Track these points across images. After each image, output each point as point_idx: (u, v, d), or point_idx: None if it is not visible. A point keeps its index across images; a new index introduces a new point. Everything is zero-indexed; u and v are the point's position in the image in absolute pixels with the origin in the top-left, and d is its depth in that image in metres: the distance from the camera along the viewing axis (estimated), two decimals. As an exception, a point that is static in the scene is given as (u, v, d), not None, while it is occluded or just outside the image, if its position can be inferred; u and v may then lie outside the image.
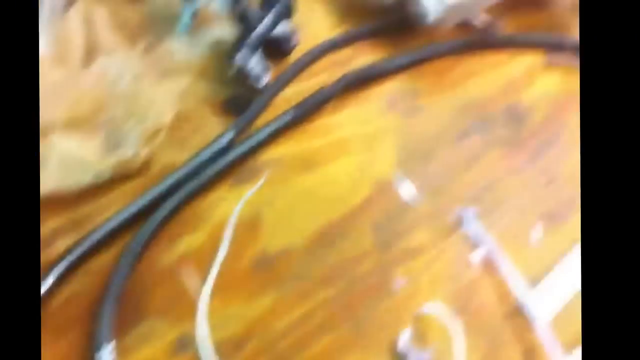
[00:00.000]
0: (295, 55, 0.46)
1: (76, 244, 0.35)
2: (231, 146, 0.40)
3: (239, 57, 0.42)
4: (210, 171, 0.38)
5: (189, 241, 0.37)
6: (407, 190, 0.42)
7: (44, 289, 0.33)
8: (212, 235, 0.38)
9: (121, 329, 0.34)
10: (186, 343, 0.34)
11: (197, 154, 0.39)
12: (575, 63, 0.51)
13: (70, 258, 0.34)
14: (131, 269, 0.35)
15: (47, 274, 0.34)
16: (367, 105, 0.46)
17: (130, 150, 0.37)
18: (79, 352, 0.33)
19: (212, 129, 0.41)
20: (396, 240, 0.40)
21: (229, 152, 0.39)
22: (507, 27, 0.52)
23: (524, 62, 0.51)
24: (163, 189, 0.37)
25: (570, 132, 0.48)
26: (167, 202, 0.37)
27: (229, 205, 0.39)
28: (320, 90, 0.44)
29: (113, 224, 0.36)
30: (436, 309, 0.38)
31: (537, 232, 0.42)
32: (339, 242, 0.39)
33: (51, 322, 0.34)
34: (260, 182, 0.37)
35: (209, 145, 0.39)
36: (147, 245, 0.36)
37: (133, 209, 0.36)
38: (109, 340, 0.33)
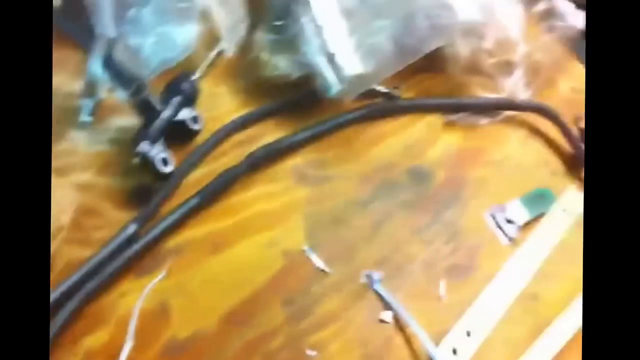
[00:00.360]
0: (201, 138, 0.48)
1: None
2: (136, 238, 0.41)
3: (142, 146, 0.43)
4: (113, 266, 0.39)
5: (94, 339, 0.38)
6: (316, 260, 0.44)
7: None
8: (117, 330, 0.38)
9: None
10: None
11: (99, 250, 0.40)
12: (472, 121, 0.55)
13: None
14: None
15: None
16: (275, 181, 0.48)
17: None
18: None
19: (117, 221, 0.42)
20: (306, 312, 0.42)
21: (133, 244, 0.40)
22: (407, 92, 0.55)
23: (425, 124, 0.54)
24: (65, 288, 0.38)
25: (470, 186, 0.51)
26: (69, 302, 0.37)
27: (134, 296, 0.39)
28: (226, 171, 0.46)
29: None
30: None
31: (441, 288, 0.45)
32: (249, 321, 0.41)
33: None
34: (163, 272, 0.38)
35: (112, 239, 0.40)
36: (50, 345, 0.36)
37: None
38: None
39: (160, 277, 0.38)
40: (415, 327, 0.42)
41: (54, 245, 0.39)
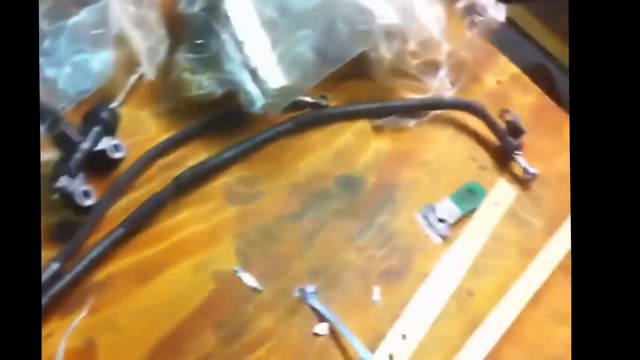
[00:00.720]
0: (125, 166, 0.48)
1: None
2: (59, 276, 0.40)
3: (62, 181, 0.43)
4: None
5: None
6: (247, 279, 0.44)
7: None
8: None
9: None
10: None
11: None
12: (400, 124, 0.56)
13: None
14: None
15: None
16: (204, 203, 0.48)
17: None
18: None
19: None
20: (239, 333, 0.42)
21: (57, 282, 0.40)
22: (334, 100, 0.56)
23: (354, 131, 0.55)
24: None
25: (402, 189, 0.52)
26: None
27: (60, 337, 0.39)
28: (152, 197, 0.46)
29: None
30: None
31: (375, 294, 0.46)
32: (180, 350, 0.41)
33: None
34: (85, 310, 0.38)
35: None
36: None
37: None
38: None
39: (82, 315, 0.37)
40: (350, 337, 0.42)
41: None
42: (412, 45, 0.58)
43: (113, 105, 0.50)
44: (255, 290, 0.44)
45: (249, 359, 0.41)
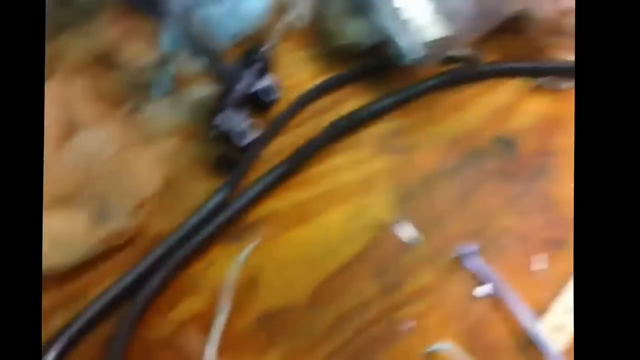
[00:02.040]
0: (279, 107, 0.47)
1: (73, 319, 0.36)
2: (223, 207, 0.41)
3: (220, 117, 0.43)
4: (202, 235, 0.39)
5: (187, 307, 0.38)
6: (405, 231, 0.43)
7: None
8: (209, 298, 0.39)
9: None
10: None
11: (188, 219, 0.40)
12: (558, 85, 0.53)
13: (69, 333, 0.35)
14: (128, 339, 0.36)
15: (47, 351, 0.35)
16: (358, 150, 0.47)
17: (119, 224, 0.39)
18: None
19: (202, 190, 0.42)
20: (399, 284, 0.41)
21: (221, 213, 0.41)
22: (488, 56, 0.53)
23: (509, 90, 0.52)
24: (155, 258, 0.38)
25: (562, 154, 0.49)
26: (160, 271, 0.38)
27: (224, 266, 0.40)
28: (310, 141, 0.45)
29: (108, 297, 0.37)
30: (447, 347, 0.38)
31: (539, 261, 0.43)
32: (341, 293, 0.40)
33: None
34: (256, 241, 0.37)
35: (199, 208, 0.41)
36: (142, 314, 0.37)
37: (126, 280, 0.38)
38: None
39: (253, 245, 0.37)
40: (516, 303, 0.40)
41: (141, 216, 0.40)
42: (570, 2, 0.55)
43: (267, 47, 0.49)
44: (412, 244, 0.43)
45: (408, 312, 0.40)
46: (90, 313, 0.36)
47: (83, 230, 0.38)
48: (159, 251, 0.38)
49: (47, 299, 0.38)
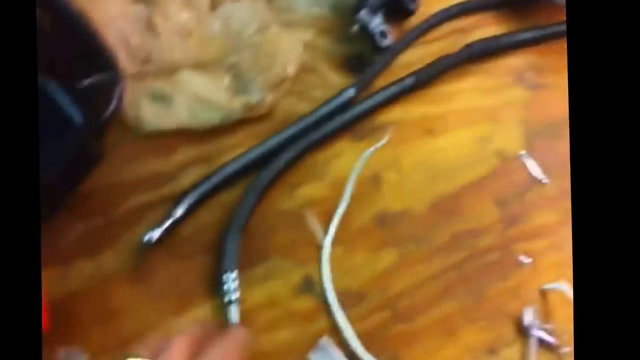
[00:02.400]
0: (416, 18, 0.45)
1: (205, 178, 0.36)
2: (351, 103, 0.40)
3: (362, 15, 0.42)
4: (333, 124, 0.39)
5: (310, 190, 0.38)
6: (533, 168, 0.41)
7: (173, 218, 0.35)
8: (333, 187, 0.38)
9: (247, 263, 0.35)
10: (310, 285, 0.35)
11: (319, 107, 0.40)
12: None
13: (199, 191, 0.36)
14: (254, 206, 0.36)
15: (177, 204, 0.35)
16: (491, 77, 0.45)
17: (257, 96, 0.38)
18: (206, 277, 0.35)
19: (332, 84, 0.42)
20: (521, 218, 0.39)
21: (350, 108, 0.40)
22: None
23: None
24: (287, 136, 0.38)
25: None
26: (291, 149, 0.38)
27: (349, 160, 0.39)
28: (444, 58, 0.43)
29: (239, 163, 0.37)
30: (564, 287, 0.36)
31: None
32: (461, 212, 0.39)
33: (180, 249, 0.35)
34: (384, 140, 0.36)
35: (331, 99, 0.40)
36: (270, 185, 0.37)
37: (259, 150, 0.37)
38: (233, 269, 0.34)
39: (381, 143, 0.36)
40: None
41: (276, 94, 0.39)
42: None
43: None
44: (538, 181, 0.40)
45: (525, 247, 0.38)
46: (221, 176, 0.36)
47: (224, 96, 0.38)
48: (290, 131, 0.38)
49: (180, 155, 0.38)
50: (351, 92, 0.40)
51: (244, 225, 0.35)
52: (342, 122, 0.39)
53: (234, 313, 0.34)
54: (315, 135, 0.38)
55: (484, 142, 0.42)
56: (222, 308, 0.34)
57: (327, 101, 0.40)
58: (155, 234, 0.34)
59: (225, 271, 0.34)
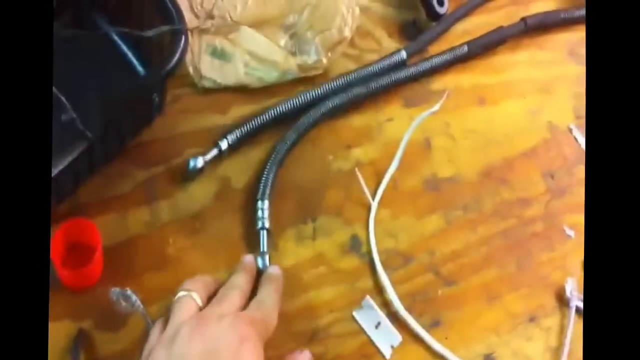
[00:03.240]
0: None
1: (252, 117, 0.38)
2: (403, 66, 0.41)
3: (420, -19, 0.42)
4: (383, 81, 0.39)
5: (362, 151, 0.39)
6: (582, 141, 0.41)
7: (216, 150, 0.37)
8: (385, 149, 0.39)
9: (298, 219, 0.37)
10: (358, 245, 0.36)
11: (369, 64, 0.40)
12: None
13: (246, 127, 0.37)
14: (295, 143, 0.38)
15: (222, 139, 0.37)
16: (545, 51, 0.45)
17: (314, 56, 0.39)
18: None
19: (387, 48, 0.42)
20: (568, 190, 0.40)
21: (402, 69, 0.40)
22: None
23: None
24: (336, 85, 0.39)
25: None
26: (338, 96, 0.39)
27: (400, 123, 0.40)
28: (499, 30, 0.44)
29: (287, 105, 0.38)
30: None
31: None
32: (509, 181, 0.40)
33: (233, 202, 0.37)
34: (436, 106, 0.36)
35: (382, 59, 0.41)
36: (311, 126, 0.38)
37: (307, 95, 0.39)
38: (264, 198, 0.36)
39: (433, 109, 0.36)
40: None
41: (331, 56, 0.40)
42: None
43: None
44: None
45: (571, 221, 0.39)
46: (267, 115, 0.38)
47: (281, 55, 0.39)
48: (340, 81, 0.39)
49: (236, 111, 0.39)
50: (403, 54, 0.41)
51: (282, 159, 0.37)
52: (392, 81, 0.39)
53: (264, 240, 0.35)
54: (364, 88, 0.39)
55: (535, 114, 0.42)
56: (271, 259, 0.35)
57: (378, 60, 0.40)
58: (199, 161, 0.36)
59: (259, 199, 0.36)
